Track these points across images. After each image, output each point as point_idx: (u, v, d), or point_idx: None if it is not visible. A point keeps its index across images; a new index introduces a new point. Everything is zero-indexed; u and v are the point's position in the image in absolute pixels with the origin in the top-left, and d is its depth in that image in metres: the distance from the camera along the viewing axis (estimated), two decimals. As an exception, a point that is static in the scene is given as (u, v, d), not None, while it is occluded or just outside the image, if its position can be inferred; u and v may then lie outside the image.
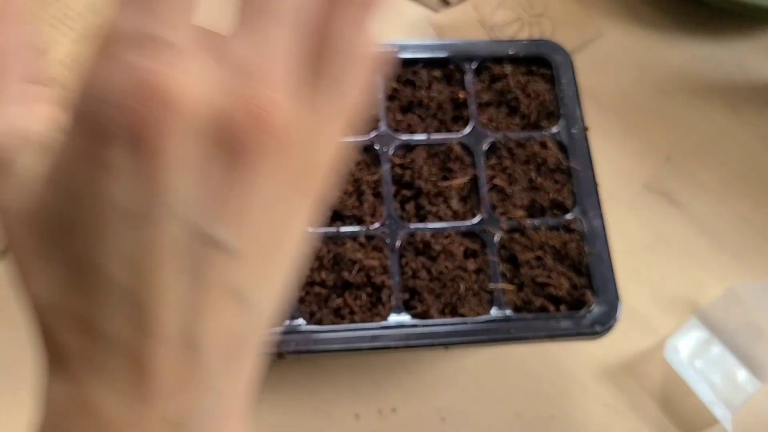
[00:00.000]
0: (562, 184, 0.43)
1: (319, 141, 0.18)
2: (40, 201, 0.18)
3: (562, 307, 0.39)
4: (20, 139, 0.19)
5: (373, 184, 0.41)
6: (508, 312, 0.39)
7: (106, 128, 0.16)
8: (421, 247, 0.40)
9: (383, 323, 0.38)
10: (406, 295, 0.39)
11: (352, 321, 0.38)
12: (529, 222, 0.41)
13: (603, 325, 0.39)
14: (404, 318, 0.38)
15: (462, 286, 0.39)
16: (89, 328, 0.18)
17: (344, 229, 0.40)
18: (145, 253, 0.17)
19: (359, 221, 0.41)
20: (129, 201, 0.16)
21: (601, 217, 0.41)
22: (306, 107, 0.18)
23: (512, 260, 0.41)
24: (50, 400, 0.19)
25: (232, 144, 0.16)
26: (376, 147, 0.42)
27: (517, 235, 0.41)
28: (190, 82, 0.16)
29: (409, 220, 0.41)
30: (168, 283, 0.17)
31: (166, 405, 0.18)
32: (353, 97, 0.19)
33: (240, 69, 0.17)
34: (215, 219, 0.17)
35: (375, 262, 0.39)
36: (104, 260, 0.17)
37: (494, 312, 0.39)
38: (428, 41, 0.46)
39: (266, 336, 0.21)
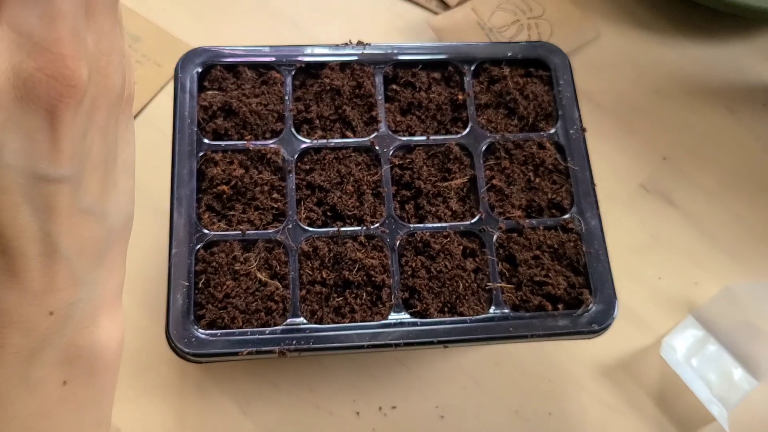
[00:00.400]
0: (560, 184, 0.43)
1: (108, 68, 0.22)
2: None
3: (560, 306, 0.40)
4: None
5: (373, 185, 0.42)
6: (507, 311, 0.39)
7: None
8: (420, 247, 0.41)
9: (383, 322, 0.38)
10: (406, 294, 0.39)
11: (353, 319, 0.38)
12: (527, 222, 0.42)
13: (600, 323, 0.39)
14: (404, 316, 0.39)
15: (461, 285, 0.39)
16: None
17: (345, 228, 0.40)
18: None
19: (359, 221, 0.41)
20: None
21: (598, 217, 0.42)
22: (91, 47, 0.21)
23: (510, 260, 0.41)
24: None
25: (43, 100, 0.20)
26: (376, 148, 0.43)
27: (515, 235, 0.42)
28: None
29: (409, 220, 0.42)
30: (20, 216, 0.21)
31: (46, 301, 0.22)
32: (114, 17, 0.23)
33: (33, 35, 0.19)
34: (46, 161, 0.21)
35: (375, 262, 0.40)
36: None
37: (493, 311, 0.39)
38: (427, 43, 0.46)
39: (128, 231, 0.26)
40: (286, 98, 0.43)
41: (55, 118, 0.20)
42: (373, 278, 0.39)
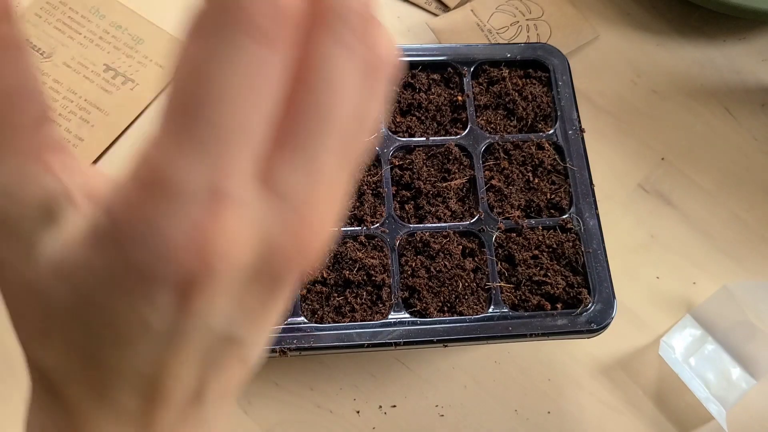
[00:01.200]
0: (559, 184, 0.43)
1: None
2: (51, 290, 0.17)
3: (559, 306, 0.40)
4: (42, 203, 0.17)
5: (374, 185, 0.42)
6: (506, 310, 0.40)
7: (154, 272, 0.16)
8: (420, 247, 0.41)
9: (383, 321, 0.38)
10: (406, 294, 0.40)
11: (353, 319, 0.39)
12: (526, 222, 0.42)
13: (599, 323, 0.39)
14: (404, 316, 0.39)
15: (460, 285, 0.40)
16: (96, 389, 0.18)
17: (345, 228, 0.41)
18: (168, 354, 0.17)
19: (360, 221, 0.41)
20: (162, 325, 0.17)
21: (596, 217, 0.42)
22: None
23: (509, 259, 0.41)
24: (44, 428, 0.19)
25: (275, 274, 0.17)
26: (377, 148, 0.43)
27: (514, 235, 0.42)
28: (241, 234, 0.16)
29: (409, 220, 0.42)
30: (183, 369, 0.18)
31: None
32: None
33: (290, 203, 0.16)
34: (241, 327, 0.18)
35: (375, 261, 0.40)
36: (123, 361, 0.17)
37: (492, 310, 0.39)
38: (427, 45, 0.47)
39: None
40: (287, 99, 0.44)
41: (275, 291, 0.17)
42: (373, 278, 0.39)
